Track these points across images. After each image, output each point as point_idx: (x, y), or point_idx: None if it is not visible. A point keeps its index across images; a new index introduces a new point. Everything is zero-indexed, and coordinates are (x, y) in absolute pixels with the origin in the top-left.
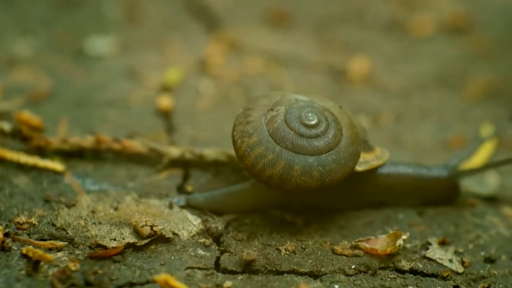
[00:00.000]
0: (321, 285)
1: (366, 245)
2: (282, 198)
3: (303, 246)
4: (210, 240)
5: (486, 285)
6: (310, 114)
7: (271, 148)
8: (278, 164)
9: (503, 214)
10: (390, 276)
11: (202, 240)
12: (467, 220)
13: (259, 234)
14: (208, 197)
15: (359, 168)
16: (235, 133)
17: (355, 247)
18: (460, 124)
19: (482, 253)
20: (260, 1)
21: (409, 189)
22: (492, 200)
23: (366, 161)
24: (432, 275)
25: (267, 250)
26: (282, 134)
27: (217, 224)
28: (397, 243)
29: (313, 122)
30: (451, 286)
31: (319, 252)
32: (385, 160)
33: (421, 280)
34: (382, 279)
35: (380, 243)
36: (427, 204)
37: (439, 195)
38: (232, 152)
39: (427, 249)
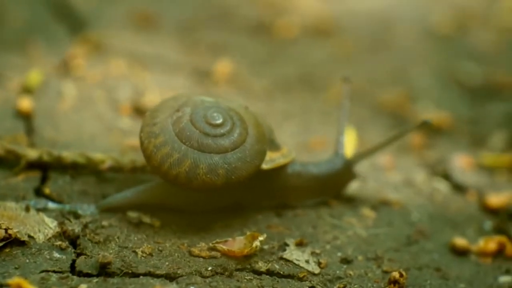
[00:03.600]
0: (177, 287)
1: (223, 247)
2: (192, 197)
3: (160, 248)
4: (67, 242)
5: (342, 286)
6: (215, 114)
7: (177, 148)
8: (184, 163)
9: (361, 215)
10: (246, 277)
11: (59, 243)
12: (325, 221)
13: (116, 236)
14: (119, 198)
15: (265, 166)
16: (142, 134)
17: (212, 248)
18: (322, 126)
19: (339, 254)
20: (125, 3)
21: (316, 185)
22: (350, 201)
23: (272, 160)
24: (288, 276)
25: (124, 252)
26: (188, 133)
27: (74, 227)
28: (254, 245)
29: (218, 122)
30: (307, 287)
31: (176, 254)
32: (291, 159)
33: (277, 281)
34: (238, 281)
35: (237, 244)
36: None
37: (341, 184)
38: (90, 154)
39: (284, 250)
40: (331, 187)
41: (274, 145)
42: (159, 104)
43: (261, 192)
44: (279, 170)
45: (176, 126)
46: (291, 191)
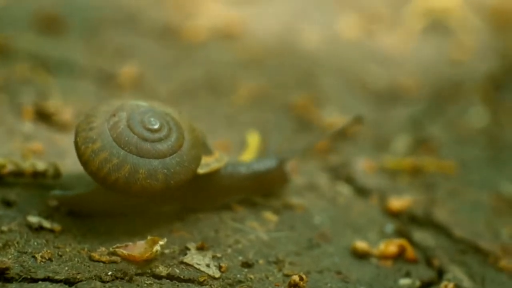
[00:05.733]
0: None
1: (124, 251)
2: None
3: (60, 253)
4: None
5: None
6: (152, 119)
7: (116, 153)
8: (123, 168)
9: (263, 219)
10: (146, 282)
11: None
12: (228, 225)
13: (15, 241)
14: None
15: (200, 170)
16: (78, 139)
17: (113, 253)
18: (227, 129)
19: (240, 258)
20: (30, 4)
21: (247, 184)
22: (253, 205)
23: (207, 164)
24: (189, 280)
25: (23, 257)
26: (126, 139)
27: None
28: (155, 249)
29: (156, 127)
30: None
31: (76, 259)
32: (224, 163)
33: (178, 285)
34: (138, 285)
35: (138, 249)
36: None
37: (276, 183)
38: None
39: (185, 254)
40: (263, 187)
41: (207, 149)
42: (92, 110)
43: (192, 196)
44: (212, 173)
45: (114, 131)
46: (223, 192)
